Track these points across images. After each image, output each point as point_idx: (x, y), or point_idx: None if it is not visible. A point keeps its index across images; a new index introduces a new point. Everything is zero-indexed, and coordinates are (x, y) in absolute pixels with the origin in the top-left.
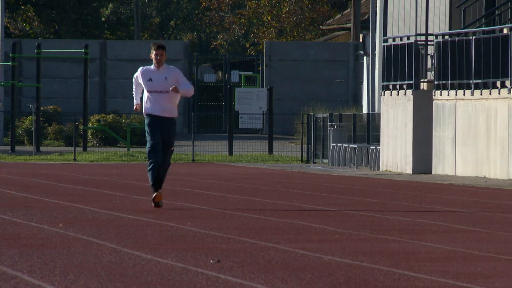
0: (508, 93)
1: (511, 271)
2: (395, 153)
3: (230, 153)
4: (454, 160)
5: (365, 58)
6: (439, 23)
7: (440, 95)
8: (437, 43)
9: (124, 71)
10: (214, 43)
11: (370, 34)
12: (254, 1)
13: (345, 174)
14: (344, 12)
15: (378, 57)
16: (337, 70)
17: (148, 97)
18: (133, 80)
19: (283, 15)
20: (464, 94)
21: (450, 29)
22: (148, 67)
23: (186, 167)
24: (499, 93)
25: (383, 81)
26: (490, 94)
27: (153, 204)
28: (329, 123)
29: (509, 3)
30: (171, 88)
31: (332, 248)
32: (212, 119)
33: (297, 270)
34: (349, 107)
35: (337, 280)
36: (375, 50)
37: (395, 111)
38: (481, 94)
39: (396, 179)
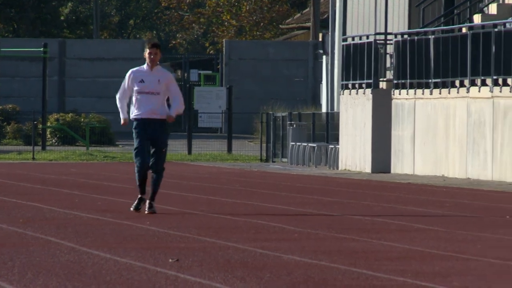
0: (467, 92)
1: (469, 270)
2: (354, 152)
3: (189, 152)
4: (413, 159)
5: (324, 57)
6: (399, 23)
7: (399, 94)
8: (396, 43)
9: (83, 70)
10: (173, 42)
11: (330, 33)
12: (213, 0)
13: (304, 173)
14: (304, 11)
15: (338, 56)
16: (297, 69)
17: (137, 99)
18: (123, 84)
19: (243, 14)
20: (423, 93)
21: (409, 28)
22: (139, 68)
23: None
24: (457, 92)
25: (342, 80)
26: (449, 93)
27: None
28: (288, 122)
29: (468, 2)
30: (167, 119)
31: (291, 247)
32: None
33: (256, 269)
34: (308, 106)
35: (296, 279)
36: (335, 49)
37: (354, 110)
38: (440, 93)
39: (355, 178)
